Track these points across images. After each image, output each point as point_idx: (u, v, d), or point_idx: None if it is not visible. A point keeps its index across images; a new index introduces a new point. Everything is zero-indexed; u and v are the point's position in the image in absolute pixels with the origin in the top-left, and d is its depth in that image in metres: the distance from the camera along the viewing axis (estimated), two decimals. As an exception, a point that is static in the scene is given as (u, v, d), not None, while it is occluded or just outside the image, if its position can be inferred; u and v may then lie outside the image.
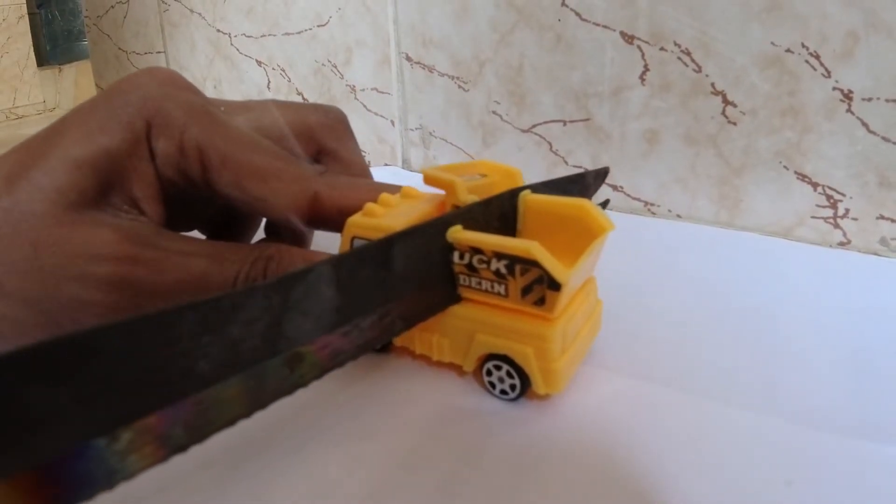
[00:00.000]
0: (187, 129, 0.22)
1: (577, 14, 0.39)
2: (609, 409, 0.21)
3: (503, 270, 0.19)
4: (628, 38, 0.38)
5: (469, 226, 0.21)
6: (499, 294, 0.20)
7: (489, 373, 0.21)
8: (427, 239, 0.20)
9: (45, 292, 0.20)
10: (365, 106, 0.53)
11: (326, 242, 0.27)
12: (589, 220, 0.22)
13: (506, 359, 0.21)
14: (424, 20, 0.47)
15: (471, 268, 0.20)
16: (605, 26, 0.38)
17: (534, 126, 0.43)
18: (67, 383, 0.12)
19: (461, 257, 0.20)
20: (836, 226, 0.34)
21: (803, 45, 0.33)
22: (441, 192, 0.23)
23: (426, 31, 0.47)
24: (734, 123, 0.36)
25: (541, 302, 0.19)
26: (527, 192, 0.23)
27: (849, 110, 0.32)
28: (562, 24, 0.40)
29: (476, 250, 0.20)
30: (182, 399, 0.14)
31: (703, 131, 0.37)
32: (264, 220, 0.29)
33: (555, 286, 0.19)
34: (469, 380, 0.22)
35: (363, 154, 0.55)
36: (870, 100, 0.32)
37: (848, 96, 0.32)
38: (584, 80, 0.40)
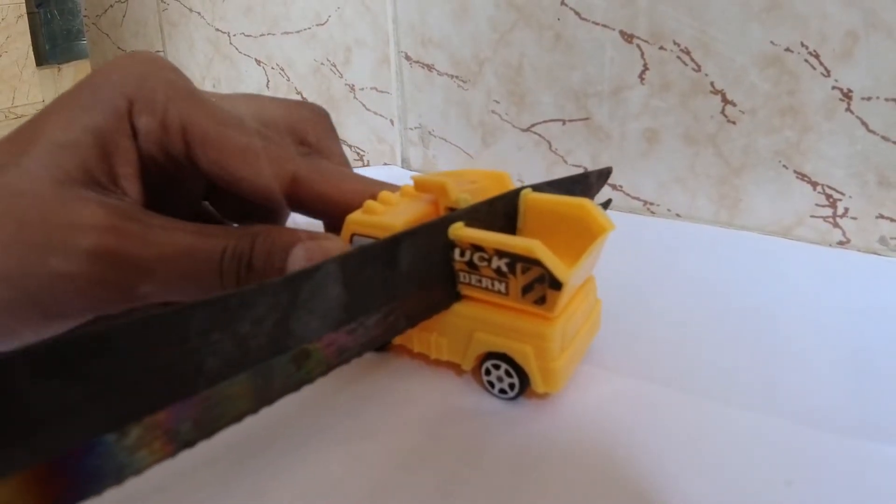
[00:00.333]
0: (170, 105, 0.22)
1: (577, 13, 0.39)
2: (608, 408, 0.21)
3: (504, 268, 0.19)
4: (628, 38, 0.38)
5: (473, 225, 0.21)
6: (499, 292, 0.20)
7: (488, 372, 0.21)
8: (432, 238, 0.20)
9: (27, 269, 0.19)
10: (364, 105, 0.53)
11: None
12: (589, 219, 0.22)
13: (505, 357, 0.20)
14: (424, 19, 0.47)
15: (471, 265, 0.20)
16: (604, 25, 0.38)
17: (533, 125, 0.43)
18: (79, 380, 0.12)
19: (462, 254, 0.20)
20: (836, 225, 0.34)
21: (803, 45, 0.33)
22: None
23: (425, 30, 0.47)
24: (734, 123, 0.36)
25: (541, 301, 0.19)
26: (528, 191, 0.23)
27: (848, 110, 0.32)
28: (561, 23, 0.40)
29: (477, 248, 0.20)
30: (191, 395, 0.14)
31: (703, 131, 0.37)
32: None
33: (556, 285, 0.19)
34: (468, 379, 0.22)
35: (362, 153, 0.55)
36: (869, 99, 0.32)
37: (847, 96, 0.32)
38: (583, 80, 0.40)
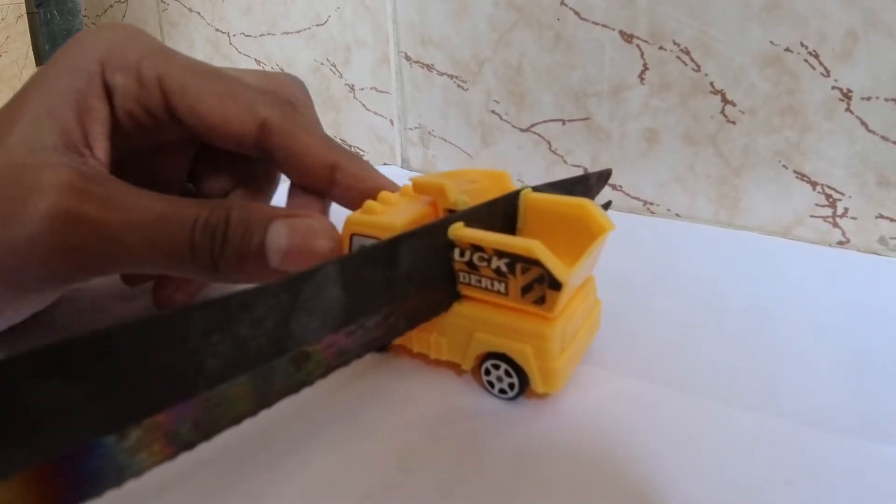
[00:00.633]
0: (143, 62, 0.22)
1: (577, 13, 0.39)
2: (608, 408, 0.21)
3: (504, 268, 0.19)
4: (627, 38, 0.38)
5: (473, 225, 0.20)
6: (498, 292, 0.20)
7: (488, 372, 0.21)
8: (432, 239, 0.20)
9: None
10: (364, 105, 0.53)
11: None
12: (589, 219, 0.22)
13: (504, 357, 0.20)
14: (423, 19, 0.47)
15: (471, 265, 0.20)
16: (604, 25, 0.38)
17: (533, 125, 0.43)
18: (79, 381, 0.12)
19: (462, 254, 0.20)
20: (836, 225, 0.34)
21: (802, 45, 0.33)
22: None
23: (425, 30, 0.47)
24: (733, 123, 0.36)
25: (541, 301, 0.19)
26: (528, 191, 0.23)
27: (848, 109, 0.32)
28: (561, 23, 0.40)
29: (477, 248, 0.20)
30: (191, 396, 0.14)
31: (703, 131, 0.37)
32: None
33: (555, 285, 0.19)
34: (467, 379, 0.22)
35: (362, 153, 0.55)
36: (869, 99, 0.32)
37: (847, 95, 0.32)
38: (583, 80, 0.40)
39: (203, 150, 0.28)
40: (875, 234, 0.33)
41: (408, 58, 0.48)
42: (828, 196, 0.34)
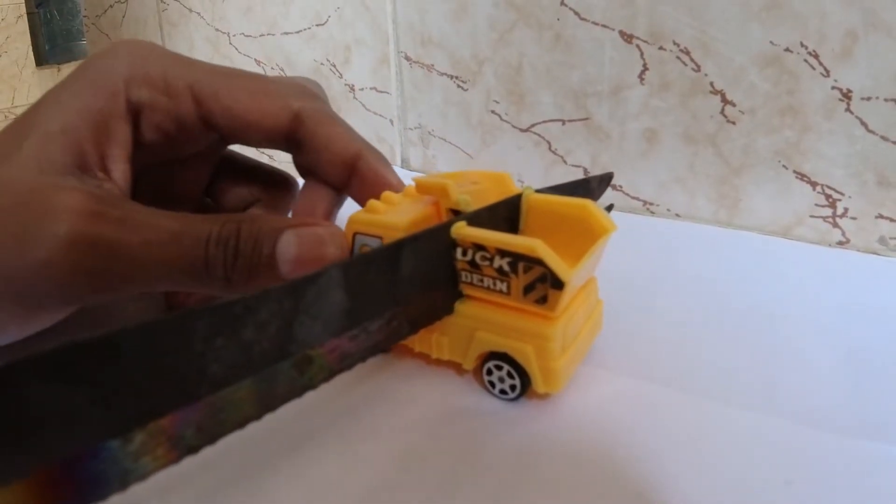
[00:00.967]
0: (168, 73, 0.23)
1: (576, 13, 0.39)
2: (609, 408, 0.21)
3: (506, 268, 0.19)
4: (627, 38, 0.38)
5: (475, 225, 0.21)
6: (500, 292, 0.20)
7: (489, 372, 0.21)
8: (435, 243, 0.20)
9: (4, 261, 0.19)
10: (364, 105, 0.53)
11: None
12: (591, 220, 0.22)
13: (506, 358, 0.20)
14: (423, 19, 0.47)
15: (473, 264, 0.20)
16: (604, 25, 0.38)
17: (533, 125, 0.43)
18: (84, 385, 0.12)
19: (464, 253, 0.20)
20: (835, 225, 0.34)
21: (802, 45, 0.33)
22: None
23: (425, 30, 0.47)
24: (733, 123, 0.36)
25: (543, 300, 0.19)
26: (530, 191, 0.23)
27: (848, 109, 0.32)
28: (561, 23, 0.40)
29: (479, 247, 0.20)
30: (195, 401, 0.14)
31: (703, 130, 0.37)
32: None
33: (558, 285, 0.19)
34: (469, 379, 0.22)
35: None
36: (869, 99, 0.32)
37: (847, 95, 0.32)
38: (583, 80, 0.40)
39: (223, 165, 0.28)
40: (875, 234, 0.33)
41: (408, 58, 0.48)
42: (828, 196, 0.34)
